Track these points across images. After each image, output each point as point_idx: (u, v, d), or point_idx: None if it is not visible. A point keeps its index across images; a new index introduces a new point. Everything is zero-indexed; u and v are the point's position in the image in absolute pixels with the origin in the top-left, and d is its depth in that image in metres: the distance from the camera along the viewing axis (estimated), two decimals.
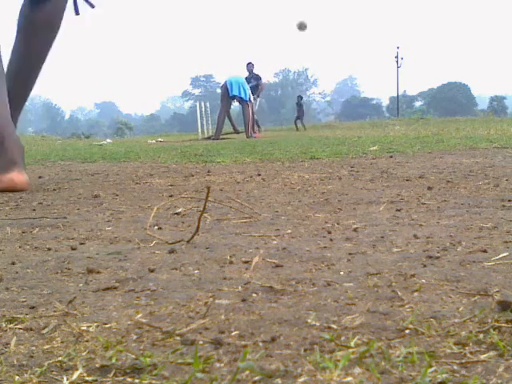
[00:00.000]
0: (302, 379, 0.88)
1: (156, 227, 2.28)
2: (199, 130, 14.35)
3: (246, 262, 1.64)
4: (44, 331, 1.13)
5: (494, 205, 2.54)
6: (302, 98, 22.13)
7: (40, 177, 4.52)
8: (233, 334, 1.08)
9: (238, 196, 3.10)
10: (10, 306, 1.29)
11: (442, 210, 2.47)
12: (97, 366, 0.95)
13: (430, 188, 3.13)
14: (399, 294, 1.28)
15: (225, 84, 12.43)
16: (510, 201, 2.62)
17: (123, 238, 2.08)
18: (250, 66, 15.16)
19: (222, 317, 1.17)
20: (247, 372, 0.90)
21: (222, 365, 0.94)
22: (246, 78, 14.70)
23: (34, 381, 0.91)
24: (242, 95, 12.90)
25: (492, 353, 0.95)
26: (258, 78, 15.27)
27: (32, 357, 1.00)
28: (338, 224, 2.22)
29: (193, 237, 1.95)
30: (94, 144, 12.05)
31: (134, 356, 0.98)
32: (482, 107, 70.25)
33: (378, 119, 34.01)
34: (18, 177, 3.53)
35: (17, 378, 0.92)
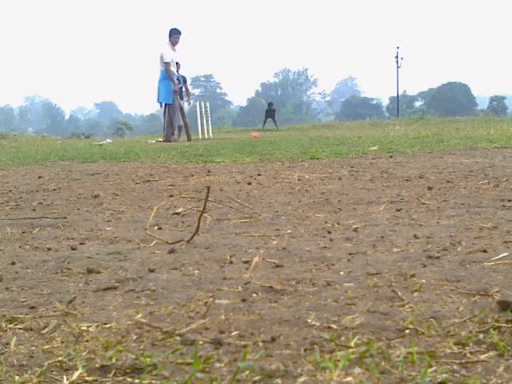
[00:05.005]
0: (302, 379, 0.88)
1: (156, 227, 2.29)
2: (199, 130, 14.35)
3: (246, 262, 1.64)
4: (44, 331, 1.13)
5: (494, 205, 2.54)
6: (272, 104, 22.87)
7: (40, 177, 4.52)
8: (233, 334, 1.08)
9: (237, 196, 3.10)
10: (10, 306, 1.29)
11: (442, 210, 2.48)
12: (97, 366, 0.95)
13: (430, 188, 3.13)
14: (399, 293, 1.28)
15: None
16: (510, 201, 2.62)
17: (123, 238, 2.08)
18: (177, 66, 14.47)
19: (222, 317, 1.17)
20: (247, 372, 0.90)
21: (222, 365, 0.94)
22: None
23: (34, 381, 0.91)
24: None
25: (492, 353, 0.95)
26: (184, 79, 14.58)
27: (32, 357, 1.01)
28: (338, 224, 2.22)
29: (193, 237, 1.95)
30: (93, 144, 12.02)
31: (134, 356, 0.98)
32: (482, 107, 70.15)
33: (378, 119, 34.02)
34: None
35: (17, 378, 0.92)
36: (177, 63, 13.85)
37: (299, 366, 0.92)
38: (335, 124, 24.86)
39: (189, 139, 12.65)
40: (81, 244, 2.00)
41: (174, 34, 11.68)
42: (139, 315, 1.20)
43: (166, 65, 11.50)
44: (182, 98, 13.68)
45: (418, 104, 77.11)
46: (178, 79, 13.62)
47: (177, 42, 11.75)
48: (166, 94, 11.73)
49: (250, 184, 3.64)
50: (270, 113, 21.96)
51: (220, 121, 59.73)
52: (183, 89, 13.66)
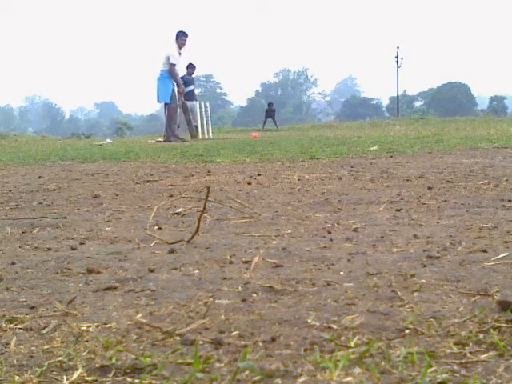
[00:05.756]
0: (302, 379, 0.88)
1: (156, 227, 2.29)
2: (199, 130, 14.36)
3: (246, 262, 1.64)
4: (44, 331, 1.13)
5: (494, 205, 2.54)
6: (272, 104, 22.84)
7: (40, 177, 4.52)
8: (233, 334, 1.08)
9: (237, 196, 3.10)
10: (10, 306, 1.29)
11: (442, 210, 2.48)
12: (97, 366, 0.95)
13: (430, 188, 3.13)
14: (399, 293, 1.28)
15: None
16: (510, 201, 2.62)
17: (123, 238, 2.08)
18: (191, 68, 14.41)
19: (222, 317, 1.17)
20: (247, 372, 0.90)
21: (222, 365, 0.94)
22: (188, 80, 14.17)
23: (34, 381, 0.91)
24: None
25: (492, 353, 0.95)
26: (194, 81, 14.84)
27: (32, 357, 1.01)
28: (338, 224, 2.22)
29: (193, 237, 1.95)
30: (94, 144, 12.01)
31: (134, 356, 0.98)
32: (482, 107, 70.11)
33: (377, 119, 34.09)
34: None
35: (17, 378, 0.92)
36: (193, 65, 13.94)
37: (299, 366, 0.92)
38: (335, 124, 24.86)
39: (192, 137, 12.80)
40: (81, 244, 2.00)
41: (182, 37, 11.61)
42: (139, 315, 1.20)
43: (172, 66, 11.43)
44: (195, 99, 13.88)
45: (417, 104, 77.10)
46: (190, 80, 13.71)
47: (184, 45, 11.68)
48: (163, 94, 11.68)
49: (250, 184, 3.64)
50: (270, 113, 21.96)
51: (220, 121, 59.69)
52: (194, 90, 13.84)
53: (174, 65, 11.43)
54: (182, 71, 12.60)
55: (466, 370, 0.90)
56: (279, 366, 0.92)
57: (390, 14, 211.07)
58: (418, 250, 1.73)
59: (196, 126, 13.98)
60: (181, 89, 11.69)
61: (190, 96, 14.01)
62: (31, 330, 1.14)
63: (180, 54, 11.71)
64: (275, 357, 0.96)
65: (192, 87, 14.18)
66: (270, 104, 22.76)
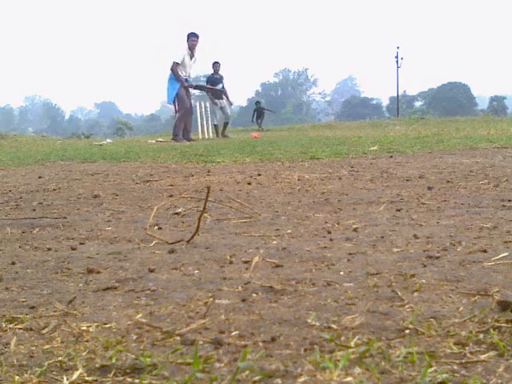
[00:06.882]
0: (302, 379, 0.88)
1: (156, 227, 2.28)
2: (199, 130, 14.35)
3: (246, 262, 1.64)
4: (44, 331, 1.13)
5: (494, 205, 2.54)
6: (260, 102, 22.46)
7: (40, 177, 4.52)
8: (233, 334, 1.08)
9: (237, 196, 3.10)
10: (10, 306, 1.29)
11: (442, 210, 2.47)
12: (97, 366, 0.95)
13: (430, 188, 3.13)
14: (399, 293, 1.28)
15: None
16: (510, 201, 2.62)
17: (123, 238, 2.08)
18: (217, 65, 14.32)
19: (222, 317, 1.17)
20: (247, 372, 0.90)
21: (222, 365, 0.94)
22: (216, 79, 14.12)
23: (34, 381, 0.91)
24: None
25: (492, 353, 0.95)
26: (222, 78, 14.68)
27: (32, 357, 1.00)
28: (338, 224, 2.22)
29: (193, 237, 1.95)
30: (93, 144, 12.01)
31: (134, 356, 0.98)
32: (482, 107, 70.08)
33: (377, 119, 34.07)
34: None
35: (17, 378, 0.92)
36: (218, 62, 14.01)
37: (299, 366, 0.92)
38: (335, 124, 24.83)
39: (217, 135, 13.15)
40: (81, 244, 2.00)
41: (192, 37, 11.60)
42: (139, 315, 1.20)
43: (174, 64, 11.38)
44: (221, 98, 13.99)
45: (417, 104, 77.04)
46: (218, 79, 13.84)
47: (194, 46, 11.64)
48: (169, 95, 11.69)
49: (249, 184, 3.64)
50: (261, 111, 21.49)
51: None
52: (224, 88, 14.02)
53: (177, 63, 11.40)
54: (193, 73, 12.58)
55: (466, 369, 0.90)
56: (279, 366, 0.92)
57: (390, 14, 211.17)
58: (418, 250, 1.73)
59: (226, 123, 14.33)
60: (184, 85, 11.63)
61: (220, 95, 14.11)
62: (31, 330, 1.14)
63: (192, 55, 11.64)
64: (275, 357, 0.96)
65: (220, 85, 14.25)
66: (257, 102, 22.18)
